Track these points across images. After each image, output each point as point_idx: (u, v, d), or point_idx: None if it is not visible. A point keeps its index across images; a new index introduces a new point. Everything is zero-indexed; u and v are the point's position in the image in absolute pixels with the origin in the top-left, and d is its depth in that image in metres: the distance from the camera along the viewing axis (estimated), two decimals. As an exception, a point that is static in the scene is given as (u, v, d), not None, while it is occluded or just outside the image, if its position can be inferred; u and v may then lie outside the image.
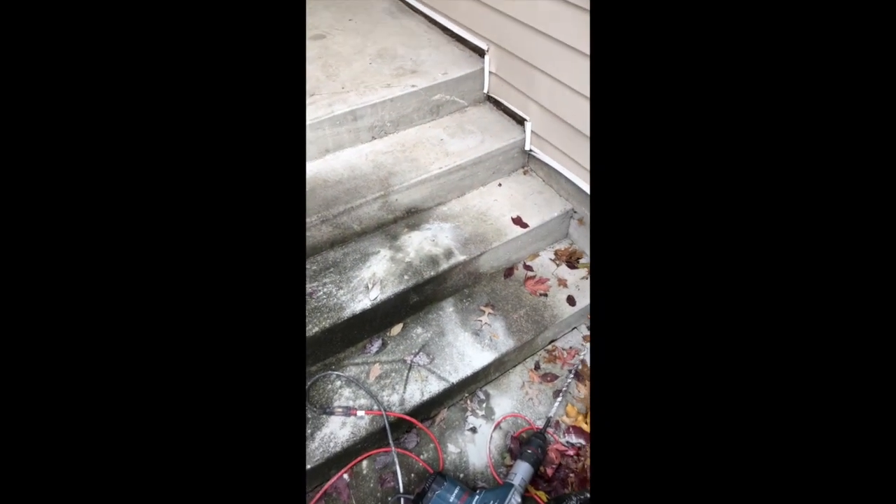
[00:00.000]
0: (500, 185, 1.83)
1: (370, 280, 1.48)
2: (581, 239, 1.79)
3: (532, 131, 1.77)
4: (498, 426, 1.46)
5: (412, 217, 1.70)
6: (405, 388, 1.40)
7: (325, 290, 1.46)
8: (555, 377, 1.57)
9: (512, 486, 1.22)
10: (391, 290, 1.46)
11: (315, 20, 2.14)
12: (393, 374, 1.44)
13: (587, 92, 1.43)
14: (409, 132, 1.81)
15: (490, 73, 1.85)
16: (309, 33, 2.04)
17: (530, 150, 1.81)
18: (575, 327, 1.72)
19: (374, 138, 1.77)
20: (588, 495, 1.17)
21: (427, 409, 1.44)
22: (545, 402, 1.52)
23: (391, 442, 1.32)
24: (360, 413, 1.34)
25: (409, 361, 1.46)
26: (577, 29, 1.36)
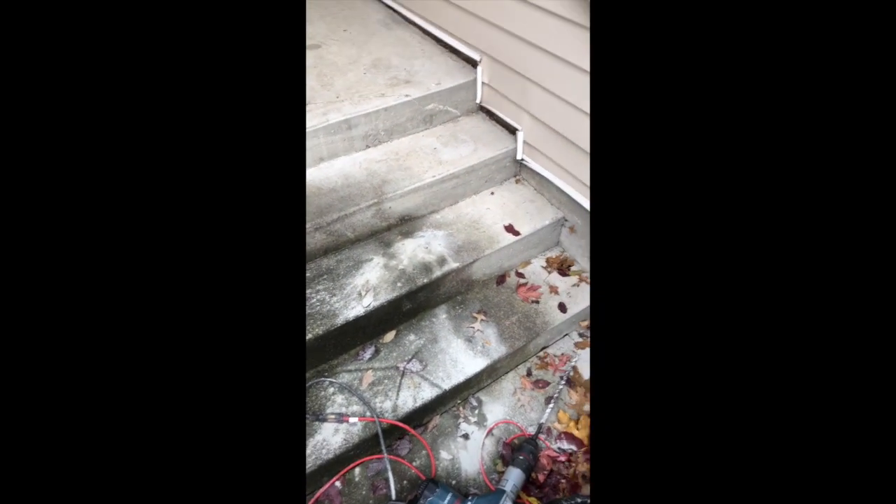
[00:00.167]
0: (492, 193, 1.86)
1: (363, 287, 1.50)
2: (572, 247, 1.81)
3: (524, 141, 1.80)
4: (490, 432, 1.47)
5: (406, 225, 1.72)
6: (398, 394, 1.41)
7: (319, 297, 1.47)
8: (546, 384, 1.59)
9: (504, 492, 1.23)
10: (384, 297, 1.47)
11: (311, 30, 2.16)
12: (386, 381, 1.44)
13: (579, 103, 1.46)
14: (403, 141, 1.83)
15: (483, 83, 1.88)
16: (305, 43, 2.07)
17: (522, 160, 1.84)
18: (566, 334, 1.73)
19: (368, 147, 1.79)
20: (579, 500, 1.18)
21: (420, 416, 1.44)
22: (537, 408, 1.53)
23: (384, 449, 1.32)
24: (353, 420, 1.34)
25: (401, 368, 1.47)
26: (570, 42, 1.39)
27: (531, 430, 1.46)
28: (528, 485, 1.34)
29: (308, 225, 1.51)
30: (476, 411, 1.52)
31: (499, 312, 1.63)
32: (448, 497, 1.19)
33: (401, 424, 1.37)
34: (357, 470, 1.38)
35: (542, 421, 1.47)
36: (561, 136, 1.59)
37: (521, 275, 1.76)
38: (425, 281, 1.52)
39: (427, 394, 1.41)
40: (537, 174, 1.79)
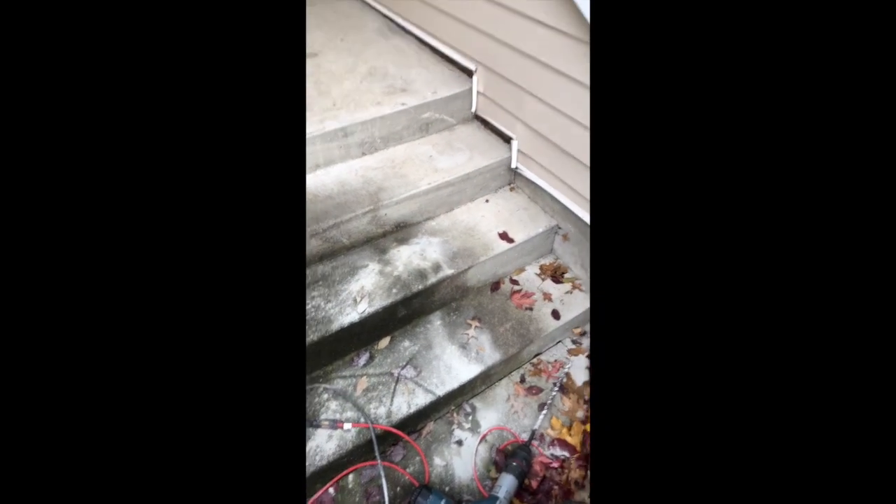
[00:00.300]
0: (487, 201, 1.88)
1: (359, 293, 1.50)
2: (565, 254, 1.83)
3: (518, 150, 1.82)
4: (484, 439, 1.48)
5: (401, 231, 1.73)
6: (392, 400, 1.42)
7: (314, 303, 1.47)
8: (540, 390, 1.60)
9: (497, 498, 1.23)
10: (379, 303, 1.48)
11: (308, 39, 2.18)
12: (380, 387, 1.45)
13: (572, 113, 1.48)
14: (399, 149, 1.85)
15: (478, 92, 1.91)
16: (301, 51, 2.09)
17: (516, 168, 1.86)
18: (559, 341, 1.75)
19: (364, 154, 1.80)
20: (571, 507, 1.19)
21: (414, 422, 1.45)
22: (530, 414, 1.54)
23: (377, 455, 1.33)
24: (347, 426, 1.34)
25: (396, 374, 1.48)
26: (563, 53, 1.42)
27: (524, 437, 1.47)
28: (522, 491, 1.35)
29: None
30: (470, 417, 1.53)
31: (493, 319, 1.64)
32: (441, 503, 1.19)
33: (395, 431, 1.37)
34: (350, 476, 1.38)
35: (536, 427, 1.48)
36: (555, 145, 1.62)
37: (515, 282, 1.78)
38: (420, 287, 1.53)
39: (421, 400, 1.42)
40: (531, 182, 1.82)
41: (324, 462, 1.29)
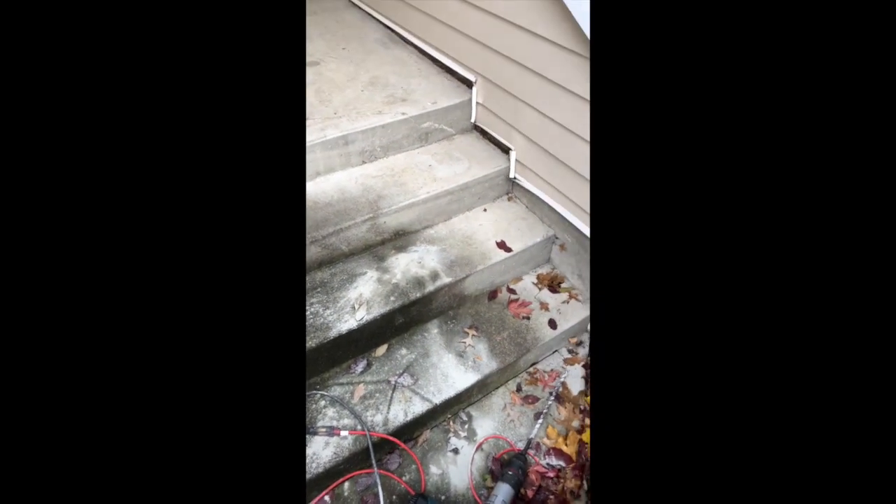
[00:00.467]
0: (485, 210, 1.89)
1: (357, 300, 1.51)
2: (562, 264, 1.85)
3: (516, 160, 1.84)
4: (480, 447, 1.48)
5: (399, 239, 1.74)
6: (389, 408, 1.42)
7: (312, 309, 1.48)
8: (536, 399, 1.60)
9: (493, 507, 1.24)
10: (377, 310, 1.49)
11: (310, 47, 2.21)
12: (377, 395, 1.45)
13: (570, 125, 1.51)
14: (399, 158, 1.87)
15: (477, 103, 1.94)
16: (303, 60, 2.11)
17: (515, 178, 1.88)
18: (556, 350, 1.76)
19: (364, 162, 1.82)
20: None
21: (410, 430, 1.45)
22: (526, 423, 1.54)
23: (374, 463, 1.33)
24: (344, 433, 1.34)
25: (393, 382, 1.48)
26: (561, 66, 1.45)
27: (520, 446, 1.48)
28: (517, 500, 1.35)
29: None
30: (466, 426, 1.53)
31: (490, 328, 1.65)
32: (437, 512, 1.19)
33: (391, 438, 1.37)
34: (346, 484, 1.37)
35: (532, 436, 1.48)
36: (553, 156, 1.64)
37: (512, 291, 1.79)
38: (418, 295, 1.54)
39: (418, 408, 1.42)
40: (529, 192, 1.84)
41: (320, 469, 1.28)
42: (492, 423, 1.54)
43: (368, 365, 1.53)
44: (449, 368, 1.52)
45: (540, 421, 1.52)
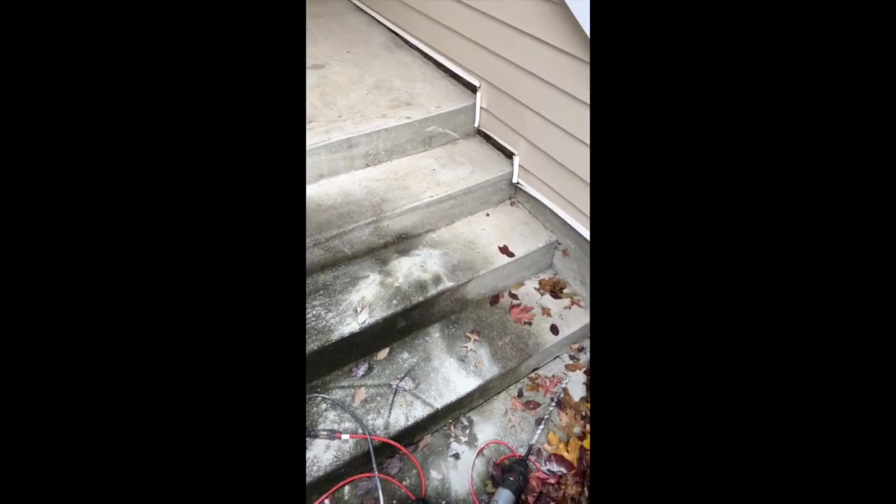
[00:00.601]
0: (487, 214, 1.89)
1: (359, 304, 1.51)
2: (565, 270, 1.85)
3: (520, 165, 1.85)
4: (480, 453, 1.47)
5: (402, 243, 1.74)
6: (390, 412, 1.41)
7: (315, 312, 1.48)
8: (537, 405, 1.60)
9: (494, 513, 1.23)
10: (379, 314, 1.49)
11: (315, 51, 2.21)
12: (378, 399, 1.45)
13: (574, 130, 1.51)
14: (402, 161, 1.87)
15: (481, 108, 1.94)
16: (308, 63, 2.12)
17: (518, 183, 1.89)
18: (557, 356, 1.75)
19: (368, 166, 1.82)
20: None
21: (411, 434, 1.44)
22: (527, 429, 1.54)
23: (375, 467, 1.32)
24: (345, 437, 1.34)
25: (394, 386, 1.48)
26: (566, 72, 1.45)
27: (521, 452, 1.47)
28: (518, 506, 1.34)
29: (307, 240, 1.52)
30: (467, 431, 1.53)
31: (492, 333, 1.65)
32: (438, 517, 1.19)
33: (392, 443, 1.37)
34: (347, 488, 1.37)
35: (533, 442, 1.48)
36: (556, 161, 1.64)
37: (514, 296, 1.79)
38: (420, 299, 1.54)
39: (419, 412, 1.42)
40: (532, 198, 1.84)
41: (321, 473, 1.28)
42: (493, 429, 1.54)
43: (370, 368, 1.52)
44: (450, 373, 1.52)
45: (541, 427, 1.52)
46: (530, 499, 1.37)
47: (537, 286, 1.83)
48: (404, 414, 1.41)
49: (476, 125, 2.00)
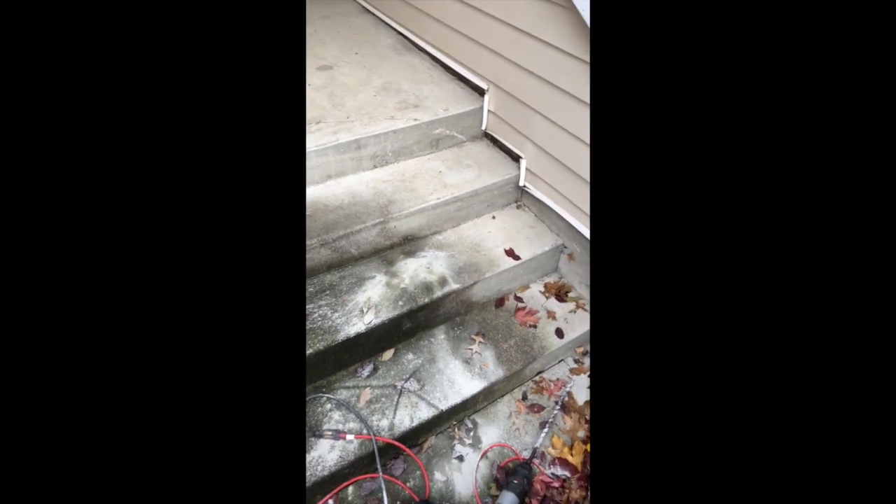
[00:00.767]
0: (494, 217, 1.90)
1: (365, 304, 1.51)
2: (570, 273, 1.85)
3: (527, 168, 1.85)
4: (485, 455, 1.47)
5: (409, 244, 1.75)
6: (395, 413, 1.42)
7: (321, 312, 1.48)
8: (541, 408, 1.60)
9: (498, 515, 1.23)
10: (385, 315, 1.49)
11: (323, 52, 2.23)
12: (383, 399, 1.45)
13: (581, 134, 1.51)
14: (410, 163, 1.88)
15: (489, 111, 1.95)
16: (317, 64, 2.13)
17: (524, 186, 1.89)
18: (562, 359, 1.75)
19: (375, 167, 1.83)
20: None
21: (415, 436, 1.44)
22: (531, 432, 1.54)
23: (379, 468, 1.32)
24: (350, 437, 1.34)
25: (399, 387, 1.48)
26: (574, 76, 1.46)
27: (525, 455, 1.47)
28: (522, 510, 1.34)
29: (314, 240, 1.53)
30: (471, 433, 1.53)
31: (497, 335, 1.65)
32: (442, 519, 1.19)
33: (397, 443, 1.37)
34: (351, 489, 1.37)
35: (537, 445, 1.48)
36: (563, 165, 1.65)
37: (519, 299, 1.79)
38: (426, 301, 1.54)
39: (424, 414, 1.42)
40: (539, 201, 1.84)
41: (325, 472, 1.28)
42: (497, 431, 1.54)
43: (375, 369, 1.52)
44: (455, 375, 1.52)
45: (545, 430, 1.51)
46: (534, 502, 1.37)
47: (543, 289, 1.83)
48: (409, 415, 1.41)
49: (483, 128, 2.00)
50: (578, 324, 1.71)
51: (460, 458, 1.46)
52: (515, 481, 1.33)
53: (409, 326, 1.58)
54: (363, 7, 2.73)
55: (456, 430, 1.53)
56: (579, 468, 1.44)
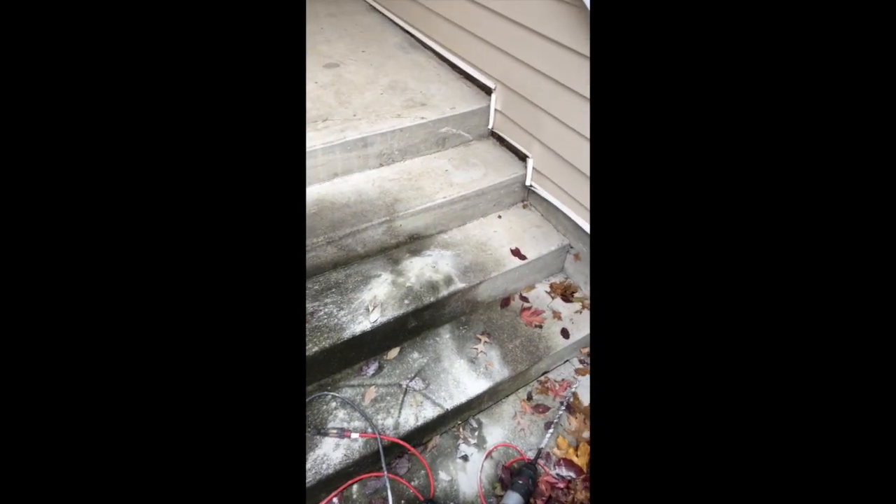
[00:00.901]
0: (500, 217, 1.89)
1: (371, 302, 1.51)
2: (576, 274, 1.84)
3: (533, 168, 1.84)
4: (489, 455, 1.47)
5: (414, 243, 1.74)
6: (400, 412, 1.41)
7: (326, 310, 1.48)
8: (547, 409, 1.59)
9: (503, 516, 1.22)
10: (391, 313, 1.49)
11: (329, 49, 2.22)
12: (388, 398, 1.44)
13: (588, 134, 1.51)
14: (416, 161, 1.87)
15: (496, 110, 1.94)
16: (323, 62, 2.13)
17: (531, 186, 1.88)
18: (567, 360, 1.75)
19: (381, 165, 1.82)
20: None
21: (420, 435, 1.44)
22: (537, 432, 1.53)
23: (384, 466, 1.32)
24: (354, 435, 1.34)
25: (404, 386, 1.48)
26: (581, 74, 1.45)
27: (530, 455, 1.46)
28: (527, 510, 1.34)
29: (320, 238, 1.53)
30: (476, 433, 1.52)
31: (502, 335, 1.65)
32: (448, 519, 1.18)
33: (402, 442, 1.37)
34: (355, 487, 1.37)
35: (542, 446, 1.47)
36: (570, 164, 1.64)
37: (525, 299, 1.78)
38: (432, 300, 1.54)
39: (429, 413, 1.42)
40: (545, 201, 1.83)
41: (330, 471, 1.28)
42: (502, 431, 1.53)
43: (380, 367, 1.52)
44: (460, 374, 1.52)
45: (550, 431, 1.51)
46: (539, 503, 1.36)
47: (548, 289, 1.82)
48: (414, 414, 1.41)
49: (490, 127, 2.00)
50: (584, 324, 1.70)
51: (465, 458, 1.46)
52: (520, 482, 1.33)
53: (414, 325, 1.57)
54: (370, 5, 2.72)
55: (461, 429, 1.53)
56: (584, 469, 1.43)
